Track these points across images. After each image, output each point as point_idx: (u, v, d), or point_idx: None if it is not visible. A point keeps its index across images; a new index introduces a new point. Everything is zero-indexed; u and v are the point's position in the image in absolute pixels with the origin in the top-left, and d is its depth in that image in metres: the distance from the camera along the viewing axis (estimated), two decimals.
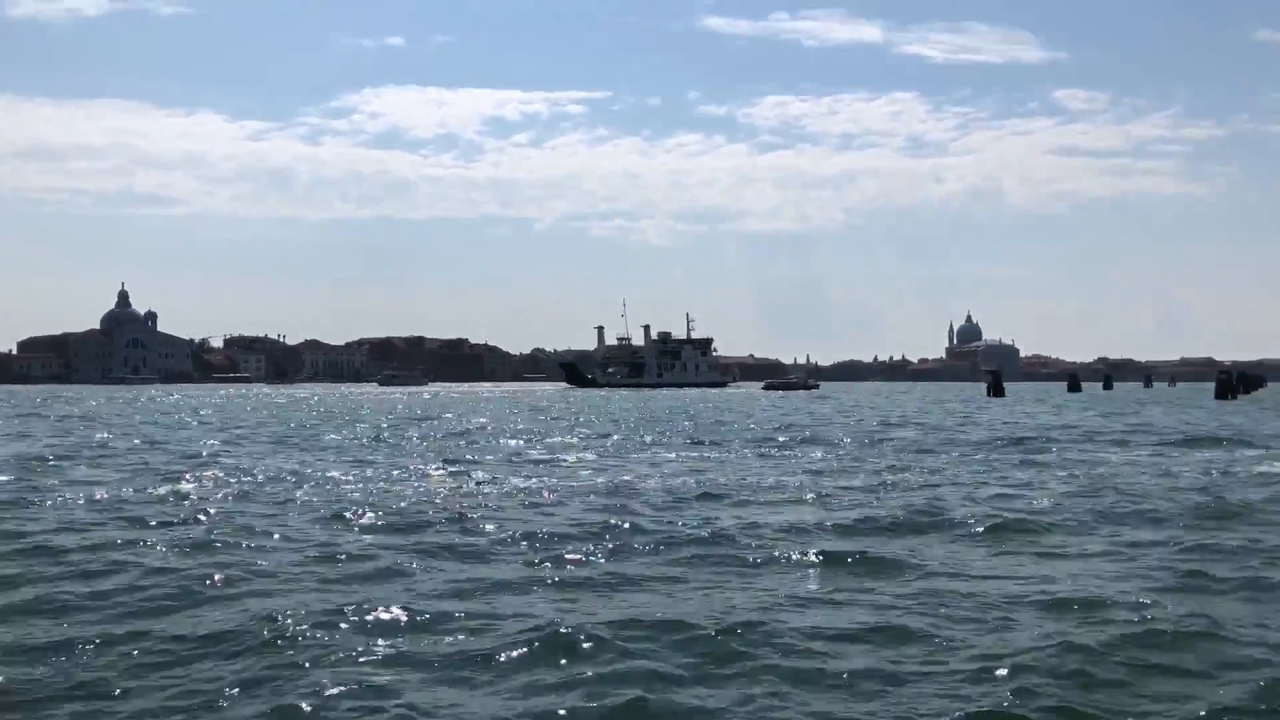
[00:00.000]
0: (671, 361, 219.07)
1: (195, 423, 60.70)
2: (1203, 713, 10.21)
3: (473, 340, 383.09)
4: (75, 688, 10.83)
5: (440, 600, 13.80)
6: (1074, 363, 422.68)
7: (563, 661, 11.32)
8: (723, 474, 28.92)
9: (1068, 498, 23.93)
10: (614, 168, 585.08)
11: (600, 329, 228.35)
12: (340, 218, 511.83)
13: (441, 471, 28.78)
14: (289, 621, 12.51)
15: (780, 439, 43.88)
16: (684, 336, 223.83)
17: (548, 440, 43.52)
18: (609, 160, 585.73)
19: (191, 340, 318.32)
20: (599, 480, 27.04)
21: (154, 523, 20.06)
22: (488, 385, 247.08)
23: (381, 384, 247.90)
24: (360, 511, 20.97)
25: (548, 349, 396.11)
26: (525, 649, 11.69)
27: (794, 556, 16.58)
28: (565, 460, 33.04)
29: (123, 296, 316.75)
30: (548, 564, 16.14)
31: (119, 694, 10.69)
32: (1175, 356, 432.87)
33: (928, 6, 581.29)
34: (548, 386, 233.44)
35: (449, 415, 71.58)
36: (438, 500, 22.84)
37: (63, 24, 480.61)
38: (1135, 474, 29.62)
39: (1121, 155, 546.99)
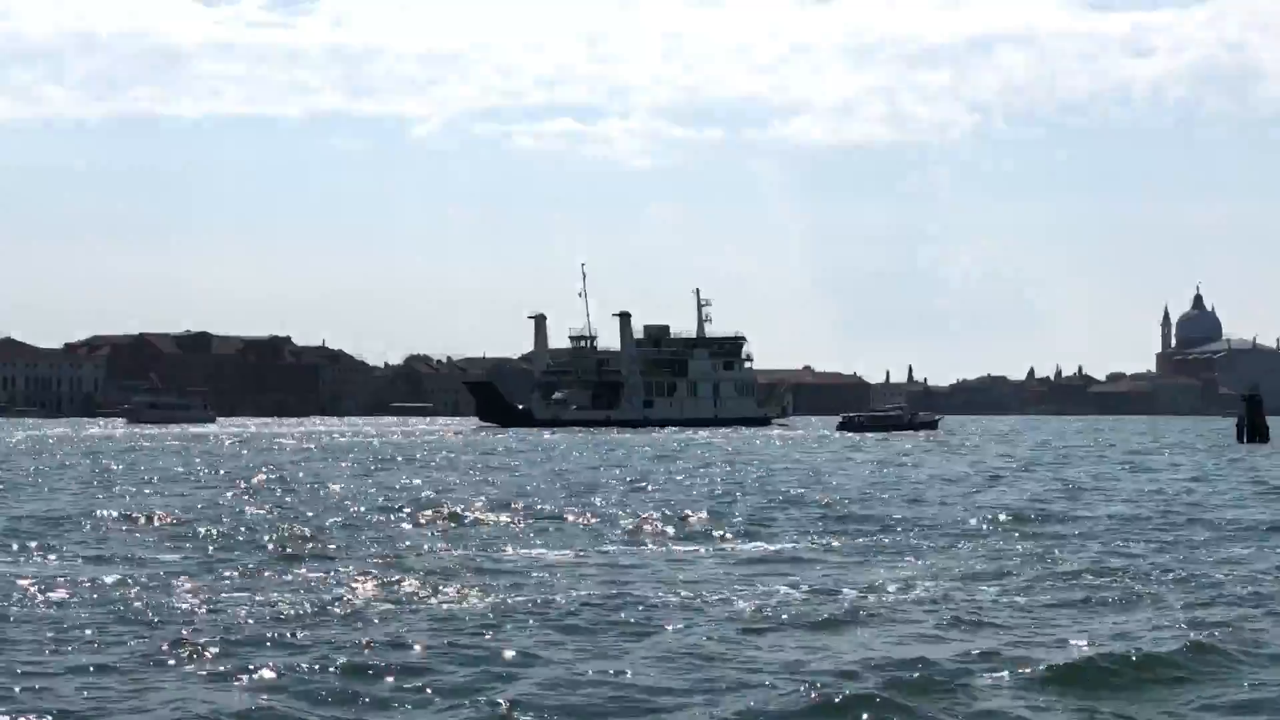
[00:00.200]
0: (671, 379, 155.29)
1: None
2: None
3: (300, 341, 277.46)
4: None
5: None
6: None
7: None
8: None
9: None
10: (557, 28, 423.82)
11: (540, 320, 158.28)
12: (52, 116, 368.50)
13: None
14: None
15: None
16: (693, 334, 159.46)
17: None
18: (547, 12, 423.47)
19: None
20: None
21: None
22: (321, 424, 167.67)
23: (131, 419, 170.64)
24: None
25: (438, 356, 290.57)
26: None
27: None
28: None
29: None
30: None
31: None
32: None
33: None
34: (443, 425, 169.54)
35: None
36: None
37: None
38: None
39: None
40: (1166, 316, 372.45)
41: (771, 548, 24.07)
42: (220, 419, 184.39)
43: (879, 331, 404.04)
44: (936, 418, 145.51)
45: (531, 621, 15.71)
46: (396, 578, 19.10)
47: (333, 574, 19.65)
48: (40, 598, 17.19)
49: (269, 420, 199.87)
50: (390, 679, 12.90)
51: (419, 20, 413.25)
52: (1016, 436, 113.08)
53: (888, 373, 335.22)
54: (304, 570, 20.11)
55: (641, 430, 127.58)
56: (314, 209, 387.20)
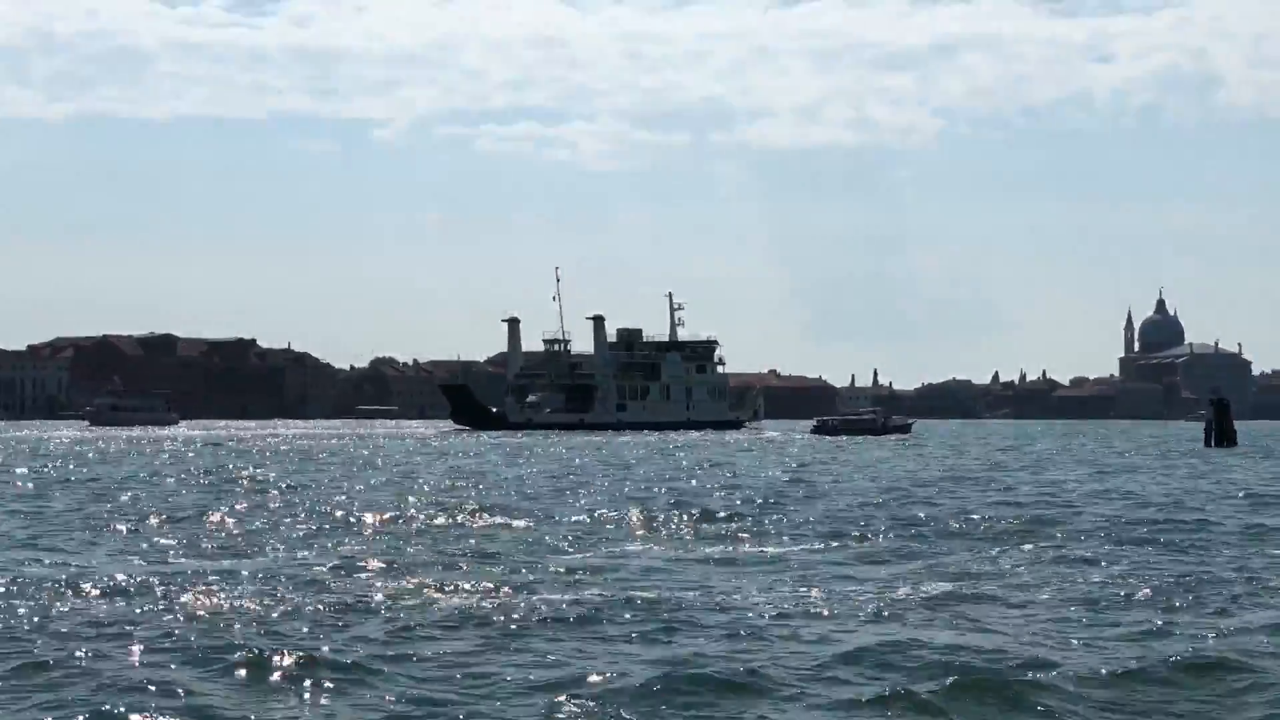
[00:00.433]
0: (644, 383, 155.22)
1: None
2: None
3: (266, 344, 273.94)
4: None
5: None
6: None
7: None
8: None
9: None
10: (521, 28, 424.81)
11: (513, 324, 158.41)
12: (14, 117, 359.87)
13: None
14: None
15: None
16: (666, 337, 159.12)
17: None
18: (512, 14, 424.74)
19: None
20: None
21: None
22: (285, 427, 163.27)
23: (93, 421, 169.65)
24: None
25: (404, 359, 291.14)
26: None
27: None
28: None
29: None
30: None
31: None
32: None
33: None
34: (414, 428, 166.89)
35: None
36: None
37: None
38: None
39: None
40: (1130, 321, 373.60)
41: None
42: (184, 421, 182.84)
43: (843, 335, 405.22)
44: (910, 422, 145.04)
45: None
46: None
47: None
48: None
49: (231, 421, 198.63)
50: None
51: (382, 22, 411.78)
52: (995, 441, 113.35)
53: (853, 376, 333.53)
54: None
55: (615, 433, 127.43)
56: (278, 211, 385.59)
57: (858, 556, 23.28)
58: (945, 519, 30.36)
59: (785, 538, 26.38)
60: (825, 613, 16.83)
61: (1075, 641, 15.21)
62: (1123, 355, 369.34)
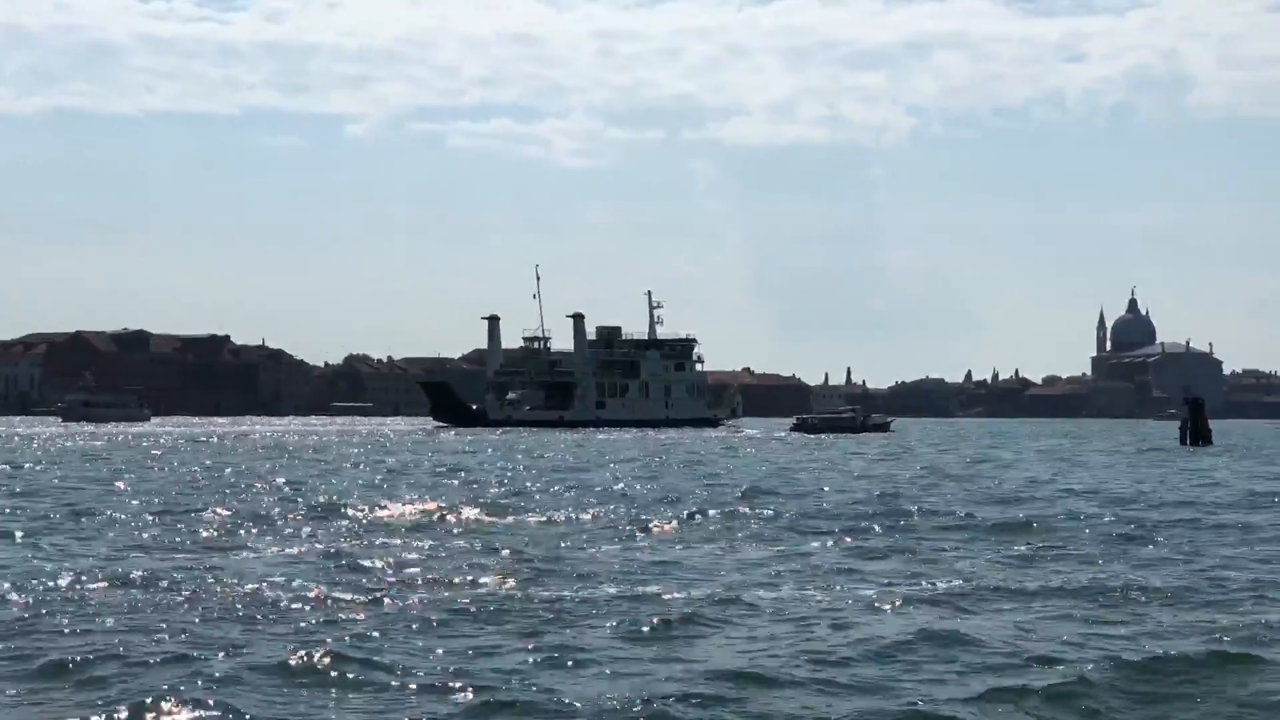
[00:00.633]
0: (623, 380, 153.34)
1: None
2: None
3: (240, 340, 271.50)
4: None
5: None
6: None
7: None
8: None
9: None
10: (494, 25, 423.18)
11: (493, 321, 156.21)
12: None
13: None
14: None
15: None
16: (645, 335, 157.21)
17: None
18: (485, 11, 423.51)
19: None
20: None
21: None
22: (266, 425, 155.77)
23: (65, 418, 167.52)
24: None
25: (379, 356, 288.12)
26: None
27: None
28: None
29: None
30: None
31: None
32: None
33: None
34: (396, 425, 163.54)
35: None
36: None
37: None
38: None
39: None
40: (1102, 320, 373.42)
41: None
42: (156, 418, 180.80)
43: (816, 333, 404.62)
44: (889, 420, 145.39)
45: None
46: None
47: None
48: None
49: (204, 418, 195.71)
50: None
51: (354, 17, 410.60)
52: (969, 439, 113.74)
53: (826, 374, 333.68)
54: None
55: (593, 431, 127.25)
56: (251, 206, 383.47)
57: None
58: (979, 515, 30.95)
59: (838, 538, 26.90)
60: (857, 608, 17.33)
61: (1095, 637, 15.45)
62: (1095, 354, 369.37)
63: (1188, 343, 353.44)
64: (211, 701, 11.83)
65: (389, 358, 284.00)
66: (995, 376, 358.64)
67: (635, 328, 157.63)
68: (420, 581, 19.01)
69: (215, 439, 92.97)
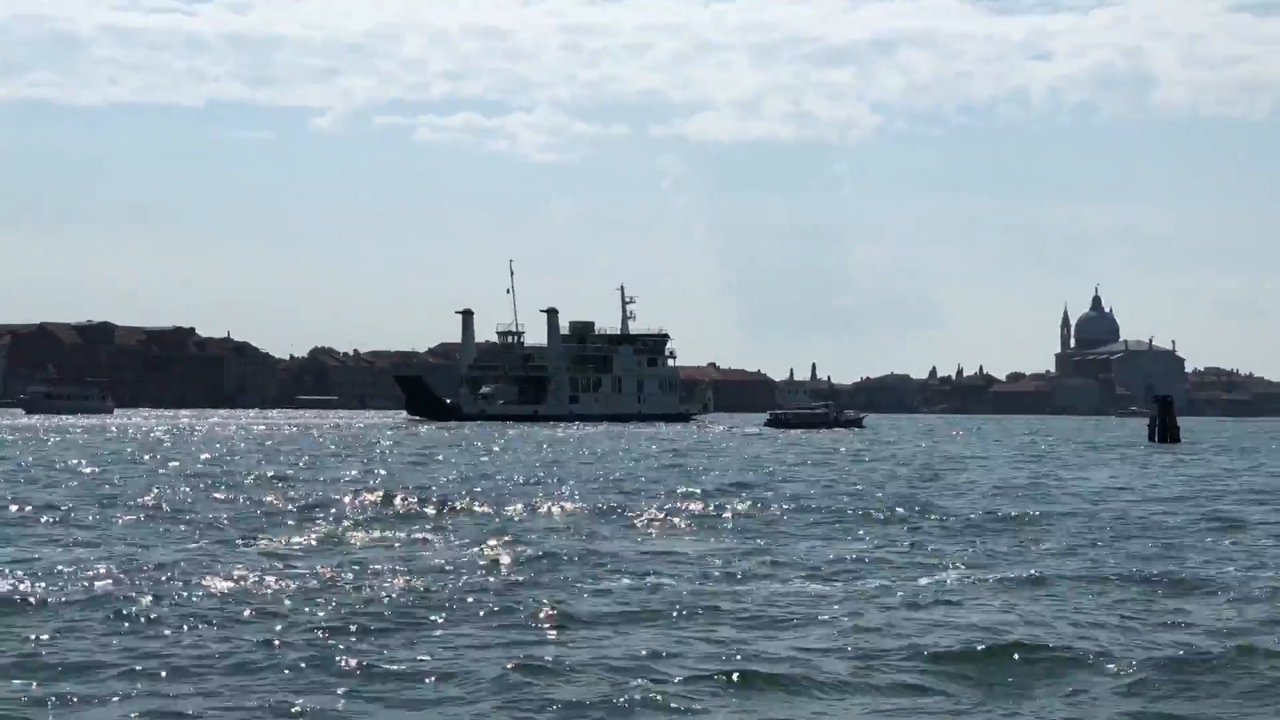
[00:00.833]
0: (596, 375, 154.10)
1: None
2: None
3: (204, 333, 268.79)
4: None
5: None
6: None
7: None
8: None
9: None
10: (460, 19, 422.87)
11: (467, 315, 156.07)
12: None
13: None
14: None
15: None
16: (618, 330, 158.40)
17: None
18: (451, 4, 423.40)
19: None
20: None
21: None
22: (238, 420, 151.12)
23: (28, 409, 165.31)
24: None
25: (344, 349, 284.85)
26: None
27: None
28: None
29: None
30: None
31: None
32: None
33: None
34: (369, 418, 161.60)
35: None
36: None
37: None
38: None
39: None
40: (1066, 317, 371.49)
41: None
42: (119, 410, 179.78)
43: (781, 329, 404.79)
44: (861, 416, 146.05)
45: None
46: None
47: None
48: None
49: (169, 411, 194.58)
50: None
51: (320, 10, 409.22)
52: (956, 435, 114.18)
53: (791, 370, 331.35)
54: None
55: (566, 425, 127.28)
56: (216, 199, 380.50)
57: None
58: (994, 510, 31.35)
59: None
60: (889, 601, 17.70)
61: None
62: (1059, 351, 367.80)
63: (1151, 340, 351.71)
64: None
65: (355, 351, 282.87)
66: (960, 373, 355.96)
67: (605, 322, 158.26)
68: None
69: (240, 431, 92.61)
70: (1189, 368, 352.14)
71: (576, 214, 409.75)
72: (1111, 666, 13.58)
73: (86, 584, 17.67)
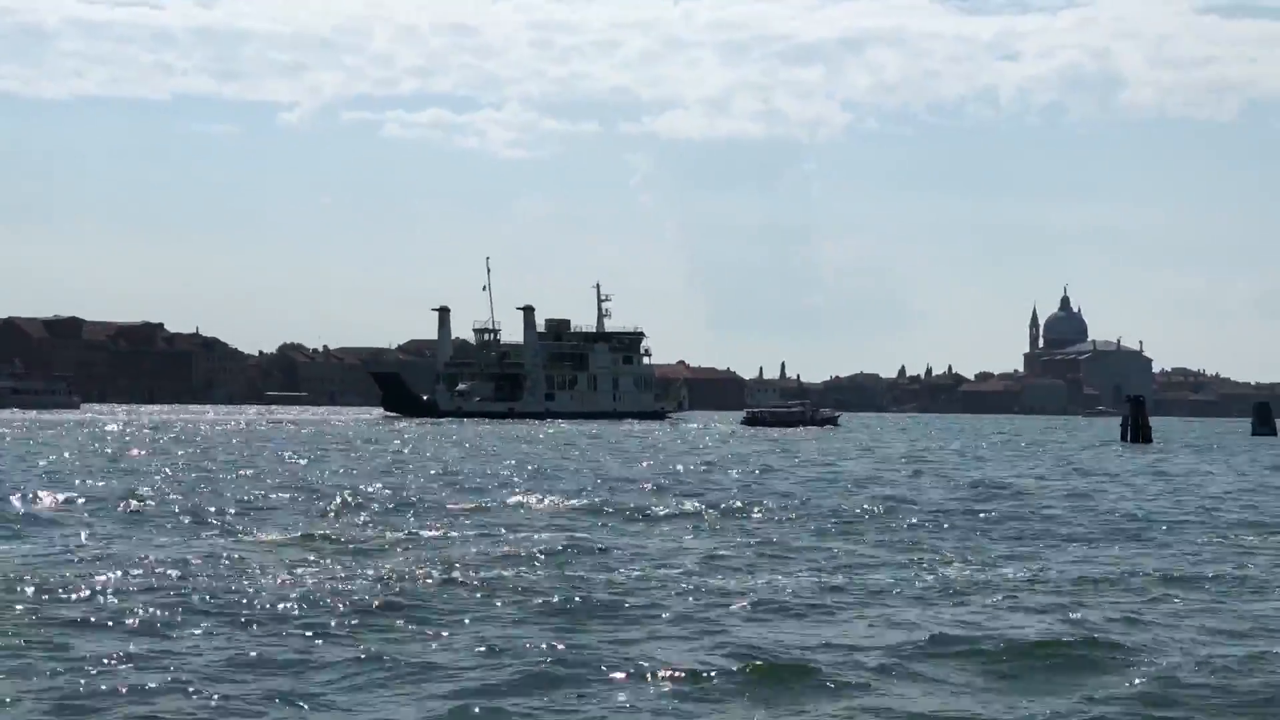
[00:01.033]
0: (572, 373, 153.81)
1: None
2: None
3: (173, 328, 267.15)
4: None
5: None
6: (1247, 384, 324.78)
7: None
8: None
9: None
10: (429, 15, 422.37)
11: (443, 312, 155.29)
12: None
13: None
14: None
15: None
16: (593, 328, 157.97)
17: None
18: (420, 2, 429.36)
19: None
20: None
21: None
22: (196, 415, 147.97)
23: None
24: None
25: (310, 345, 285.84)
26: None
27: None
28: None
29: None
30: None
31: None
32: None
33: None
34: (348, 415, 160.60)
35: None
36: None
37: None
38: None
39: None
40: (1035, 317, 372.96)
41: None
42: (86, 405, 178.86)
43: (750, 327, 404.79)
44: (837, 414, 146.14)
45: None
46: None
47: None
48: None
49: (138, 406, 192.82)
50: None
51: (289, 4, 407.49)
52: (918, 434, 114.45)
53: (761, 368, 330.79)
54: None
55: (543, 422, 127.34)
56: (185, 194, 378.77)
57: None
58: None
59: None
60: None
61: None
62: (1028, 351, 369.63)
63: (1118, 341, 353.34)
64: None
65: (324, 347, 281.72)
66: (929, 372, 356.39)
67: (579, 320, 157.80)
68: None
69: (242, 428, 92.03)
70: (1156, 368, 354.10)
71: (546, 211, 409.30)
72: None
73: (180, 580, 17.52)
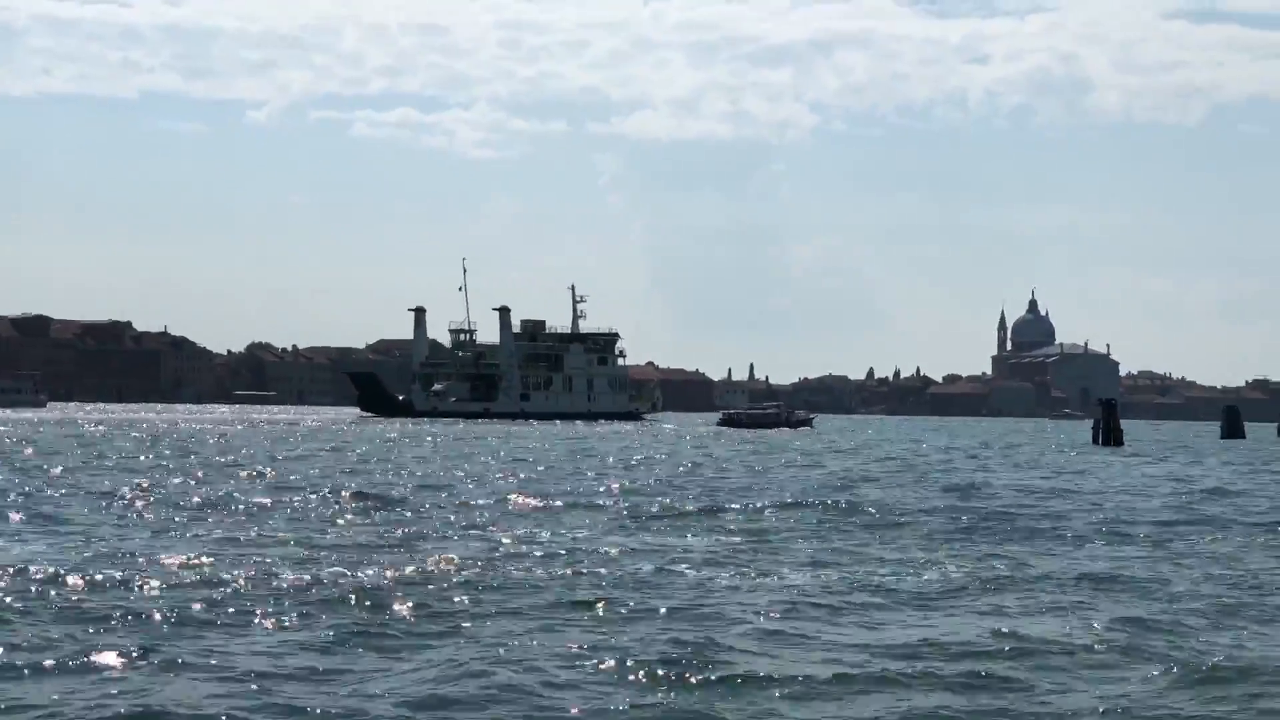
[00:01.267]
0: (547, 374, 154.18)
1: None
2: None
3: (141, 327, 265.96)
4: None
5: None
6: (1213, 388, 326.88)
7: None
8: None
9: None
10: (398, 14, 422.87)
11: (419, 313, 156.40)
12: None
13: None
14: None
15: None
16: (568, 329, 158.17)
17: None
18: (389, 1, 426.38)
19: None
20: None
21: None
22: (161, 414, 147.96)
23: None
24: None
25: (278, 344, 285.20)
26: None
27: None
28: None
29: None
30: None
31: None
32: None
33: None
34: (318, 415, 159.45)
35: None
36: None
37: None
38: None
39: None
40: (1003, 320, 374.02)
41: None
42: (53, 404, 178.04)
43: (719, 328, 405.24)
44: (811, 416, 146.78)
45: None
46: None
47: None
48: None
49: (106, 405, 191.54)
50: None
51: (257, 2, 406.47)
52: (897, 437, 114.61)
53: (729, 370, 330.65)
54: None
55: (518, 422, 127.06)
56: (153, 192, 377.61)
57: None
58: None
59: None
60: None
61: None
62: (995, 353, 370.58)
63: (1086, 344, 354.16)
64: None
65: (293, 347, 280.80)
66: (897, 374, 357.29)
67: (554, 321, 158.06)
68: None
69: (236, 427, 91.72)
70: (1123, 371, 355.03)
71: (513, 211, 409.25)
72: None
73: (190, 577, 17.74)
